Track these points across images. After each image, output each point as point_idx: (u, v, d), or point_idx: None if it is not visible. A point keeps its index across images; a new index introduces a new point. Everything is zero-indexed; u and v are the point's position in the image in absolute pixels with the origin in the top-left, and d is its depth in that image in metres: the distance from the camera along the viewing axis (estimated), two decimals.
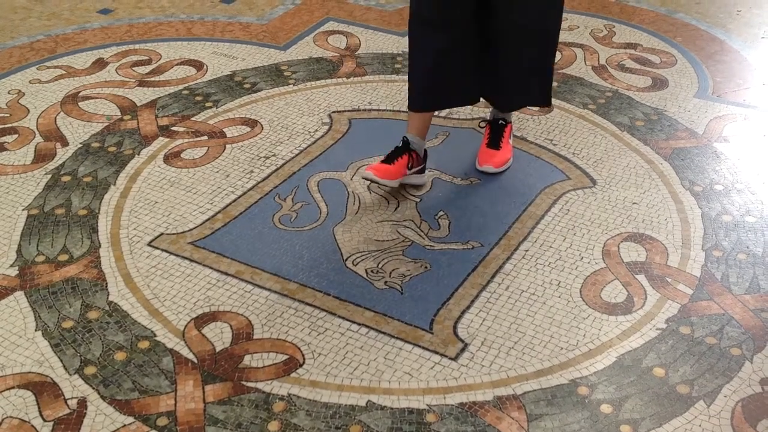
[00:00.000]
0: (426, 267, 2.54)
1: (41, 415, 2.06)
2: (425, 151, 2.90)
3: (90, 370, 2.19)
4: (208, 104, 3.36)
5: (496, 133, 2.98)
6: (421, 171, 2.88)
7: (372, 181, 2.77)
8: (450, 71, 2.79)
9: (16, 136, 3.16)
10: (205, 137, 3.16)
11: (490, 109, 3.06)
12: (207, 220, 2.73)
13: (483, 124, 3.07)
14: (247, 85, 3.49)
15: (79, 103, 3.36)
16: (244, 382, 2.15)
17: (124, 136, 3.15)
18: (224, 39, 3.89)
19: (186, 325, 2.33)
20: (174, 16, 4.12)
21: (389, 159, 2.80)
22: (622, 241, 2.65)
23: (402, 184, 2.85)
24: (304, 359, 2.23)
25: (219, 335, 2.30)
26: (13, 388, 2.14)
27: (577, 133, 3.19)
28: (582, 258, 2.58)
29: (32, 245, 2.62)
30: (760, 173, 2.97)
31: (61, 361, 2.21)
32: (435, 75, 2.80)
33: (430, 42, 2.75)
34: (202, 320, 2.34)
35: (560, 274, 2.52)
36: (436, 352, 2.26)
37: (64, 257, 2.57)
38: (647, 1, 4.29)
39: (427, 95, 2.86)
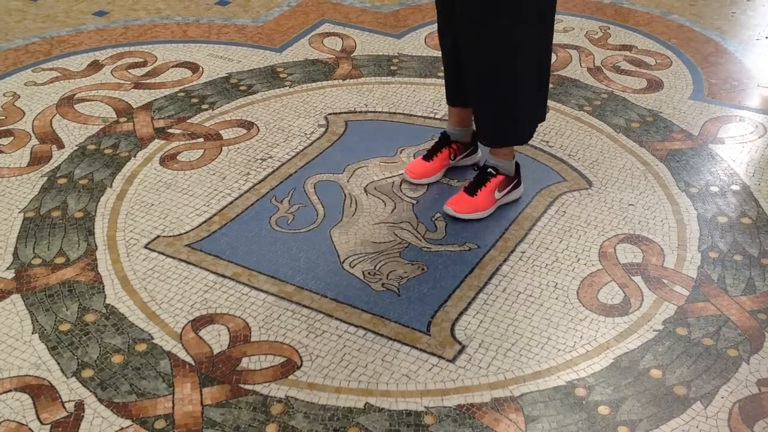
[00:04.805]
0: (423, 269, 2.54)
1: (38, 418, 2.06)
2: (473, 133, 2.94)
3: (87, 372, 2.18)
4: (204, 106, 3.35)
5: (477, 179, 2.77)
6: (471, 153, 2.99)
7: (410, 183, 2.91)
8: (455, 69, 2.80)
9: (12, 138, 3.15)
10: (201, 139, 3.16)
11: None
12: (204, 223, 2.73)
13: (475, 168, 2.84)
14: (243, 87, 3.49)
15: (75, 106, 3.35)
16: (241, 385, 2.15)
17: (120, 139, 3.15)
18: (220, 41, 3.89)
19: (183, 328, 2.32)
20: (169, 18, 4.12)
21: (428, 155, 2.93)
22: (618, 243, 2.65)
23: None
24: (301, 361, 2.23)
25: (216, 338, 2.30)
26: (10, 391, 2.13)
27: (572, 135, 3.19)
28: (579, 260, 2.59)
29: (28, 248, 2.62)
30: (756, 174, 2.97)
31: (58, 363, 2.21)
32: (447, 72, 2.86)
33: (441, 39, 2.83)
34: (199, 323, 2.34)
35: (557, 276, 2.53)
36: (434, 354, 2.26)
37: (60, 260, 2.57)
38: (642, 3, 4.30)
39: (447, 91, 2.91)
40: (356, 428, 2.05)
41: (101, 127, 3.22)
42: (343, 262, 2.57)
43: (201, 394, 2.13)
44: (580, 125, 3.25)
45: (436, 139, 3.11)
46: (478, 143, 2.94)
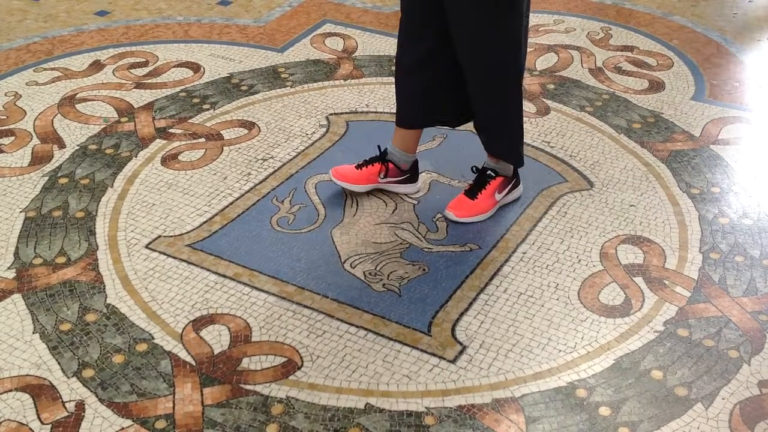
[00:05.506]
0: (424, 269, 2.54)
1: (39, 418, 2.06)
2: (415, 162, 2.84)
3: (88, 372, 2.18)
4: (205, 106, 3.35)
5: (477, 182, 2.77)
6: (407, 181, 2.85)
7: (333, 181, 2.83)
8: (424, 85, 2.68)
9: (13, 138, 3.15)
10: (203, 139, 3.15)
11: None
12: (205, 223, 2.73)
13: (474, 170, 2.80)
14: (244, 87, 3.49)
15: (76, 105, 3.35)
16: (242, 385, 2.15)
17: (121, 138, 3.15)
18: (221, 41, 3.89)
19: (184, 328, 2.32)
20: (171, 18, 4.12)
21: (360, 165, 2.83)
22: (619, 244, 2.65)
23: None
24: (302, 362, 2.23)
25: (217, 338, 2.30)
26: (11, 390, 2.13)
27: (574, 136, 3.19)
28: (580, 260, 2.59)
29: (29, 248, 2.62)
30: (757, 175, 2.97)
31: (59, 363, 2.21)
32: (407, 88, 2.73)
33: (405, 52, 2.67)
34: (200, 323, 2.34)
35: (558, 277, 2.53)
36: (435, 355, 2.26)
37: (61, 260, 2.56)
38: (643, 4, 4.30)
39: (405, 111, 2.77)
40: (357, 429, 2.04)
41: (102, 126, 3.22)
42: (344, 262, 2.57)
43: (202, 394, 2.13)
44: (581, 126, 3.25)
45: (438, 140, 3.12)
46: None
